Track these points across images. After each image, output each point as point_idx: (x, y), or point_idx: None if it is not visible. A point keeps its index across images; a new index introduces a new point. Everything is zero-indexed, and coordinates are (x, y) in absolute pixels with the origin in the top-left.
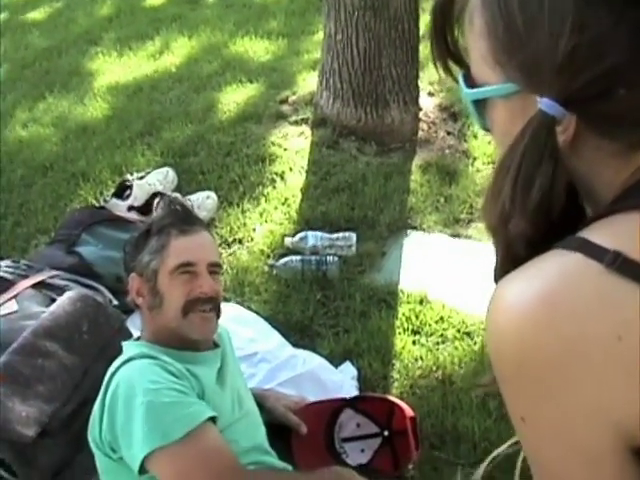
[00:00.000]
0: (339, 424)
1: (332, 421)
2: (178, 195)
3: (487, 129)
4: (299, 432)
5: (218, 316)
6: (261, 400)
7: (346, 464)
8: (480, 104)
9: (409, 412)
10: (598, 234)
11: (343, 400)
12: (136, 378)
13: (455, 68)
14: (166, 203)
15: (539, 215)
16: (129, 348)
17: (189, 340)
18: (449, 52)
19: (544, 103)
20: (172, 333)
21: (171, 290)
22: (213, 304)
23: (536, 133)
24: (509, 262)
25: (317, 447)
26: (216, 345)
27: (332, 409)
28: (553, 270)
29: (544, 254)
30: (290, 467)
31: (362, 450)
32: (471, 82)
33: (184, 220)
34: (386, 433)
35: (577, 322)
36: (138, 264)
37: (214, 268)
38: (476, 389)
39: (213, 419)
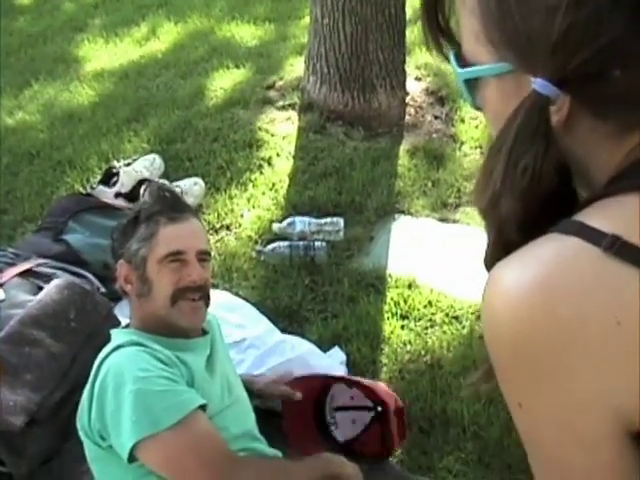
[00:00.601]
0: (331, 395)
1: (323, 392)
2: (166, 182)
3: (479, 108)
4: (293, 399)
5: (207, 304)
6: (250, 385)
7: (334, 440)
8: (472, 83)
9: (398, 402)
10: (595, 217)
11: (333, 377)
12: (125, 366)
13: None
14: (154, 190)
15: (530, 196)
16: (118, 336)
17: (178, 328)
18: (440, 30)
19: (538, 83)
20: (160, 321)
21: (160, 278)
22: (202, 292)
23: (529, 113)
24: (500, 247)
25: (307, 417)
26: (205, 332)
27: (324, 382)
28: (550, 254)
29: (540, 238)
30: (280, 454)
31: (353, 421)
32: (463, 61)
33: (173, 207)
34: (379, 409)
35: (575, 305)
36: (126, 251)
37: (203, 256)
38: (466, 388)
39: (203, 407)
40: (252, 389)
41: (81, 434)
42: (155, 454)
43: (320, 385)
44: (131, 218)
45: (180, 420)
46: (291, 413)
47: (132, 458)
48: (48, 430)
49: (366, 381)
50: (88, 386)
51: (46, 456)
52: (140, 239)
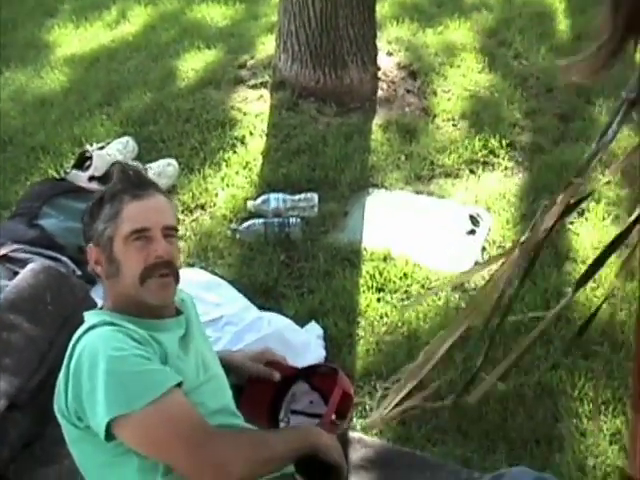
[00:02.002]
0: (292, 393)
1: (283, 388)
2: (139, 163)
3: None
4: (273, 379)
5: (177, 281)
6: (229, 362)
7: None
8: None
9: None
10: None
11: (297, 370)
12: (99, 345)
13: None
14: (117, 169)
15: None
16: (91, 317)
17: (148, 306)
18: None
19: None
20: (131, 300)
21: (127, 257)
22: (170, 268)
23: None
24: None
25: (262, 405)
26: (179, 313)
27: (285, 376)
28: None
29: None
30: (256, 429)
31: None
32: None
33: (136, 185)
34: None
35: None
36: (94, 233)
37: (169, 231)
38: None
39: (179, 384)
40: (230, 365)
41: (58, 416)
42: (131, 432)
43: (284, 376)
44: (96, 199)
45: (156, 399)
46: (250, 394)
47: (109, 437)
48: (29, 414)
49: (327, 367)
50: (63, 368)
51: (27, 440)
52: (105, 219)
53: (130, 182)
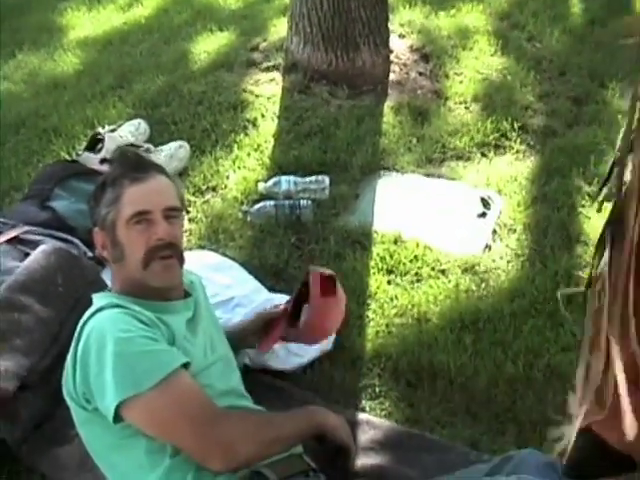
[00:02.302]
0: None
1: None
2: (150, 146)
3: None
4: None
5: (181, 262)
6: (231, 331)
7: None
8: None
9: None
10: None
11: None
12: (107, 327)
13: None
14: (118, 154)
15: None
16: (99, 299)
17: (153, 289)
18: None
19: None
20: (137, 283)
21: (130, 241)
22: (173, 250)
23: None
24: None
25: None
26: (188, 294)
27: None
28: None
29: None
30: (264, 410)
31: None
32: None
33: (136, 168)
34: None
35: None
36: (98, 217)
37: (170, 212)
38: None
39: (185, 365)
40: (239, 336)
41: (67, 399)
42: (139, 413)
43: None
44: (99, 184)
45: (162, 379)
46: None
47: (117, 419)
48: (40, 395)
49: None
50: (71, 350)
51: (38, 421)
52: (107, 203)
53: (130, 166)
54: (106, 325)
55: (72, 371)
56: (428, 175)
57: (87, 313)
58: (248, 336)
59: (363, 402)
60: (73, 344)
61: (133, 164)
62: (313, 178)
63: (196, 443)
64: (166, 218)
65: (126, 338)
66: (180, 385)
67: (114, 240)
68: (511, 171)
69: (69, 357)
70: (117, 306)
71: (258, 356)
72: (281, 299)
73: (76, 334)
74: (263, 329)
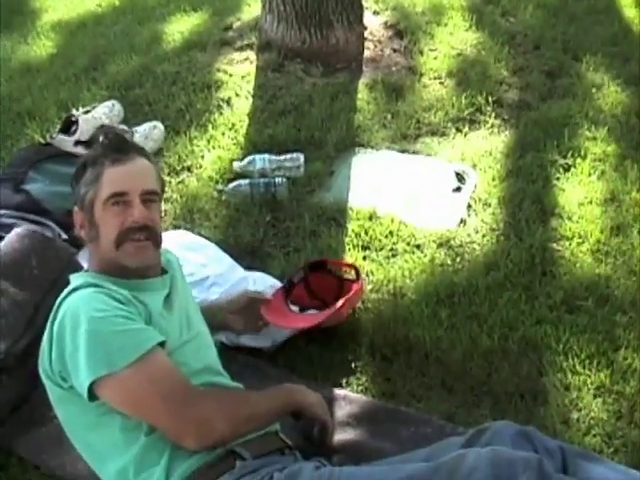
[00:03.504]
0: None
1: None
2: (125, 127)
3: None
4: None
5: (157, 244)
6: (216, 310)
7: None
8: None
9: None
10: None
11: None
12: (82, 307)
13: None
14: (100, 134)
15: None
16: (75, 279)
17: (127, 268)
18: None
19: None
20: (111, 263)
21: (105, 221)
22: (148, 233)
23: None
24: None
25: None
26: (164, 272)
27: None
28: None
29: None
30: (242, 387)
31: None
32: None
33: (117, 149)
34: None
35: None
36: (77, 197)
37: (148, 196)
38: None
39: (162, 344)
40: (217, 314)
41: (43, 377)
42: (114, 392)
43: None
44: (80, 164)
45: (138, 358)
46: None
47: (93, 397)
48: (16, 378)
49: None
50: (47, 329)
51: (15, 403)
52: (87, 183)
53: (111, 147)
54: (81, 304)
55: (48, 350)
56: (403, 151)
57: (63, 293)
58: (228, 315)
59: (339, 378)
60: (49, 323)
61: (115, 145)
62: (288, 156)
63: (171, 421)
64: (143, 201)
65: (101, 317)
66: (155, 363)
67: (91, 220)
68: (486, 145)
69: (45, 336)
70: (93, 285)
71: (232, 334)
72: (256, 277)
73: (52, 313)
74: (245, 309)
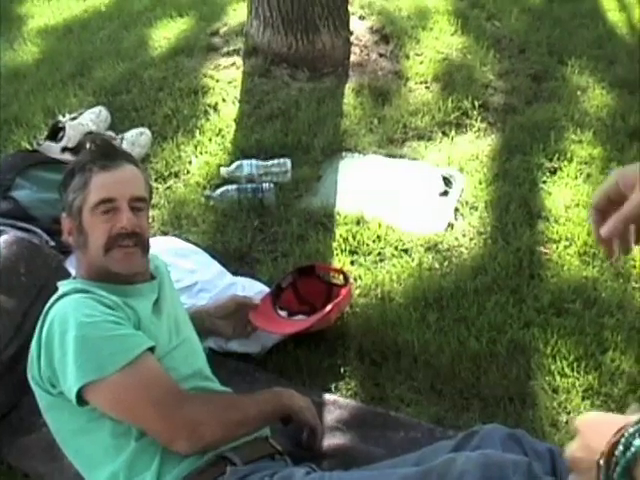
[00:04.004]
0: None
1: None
2: (112, 133)
3: None
4: (251, 304)
5: (145, 251)
6: (203, 315)
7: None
8: None
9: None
10: None
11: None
12: (70, 312)
13: None
14: (89, 141)
15: None
16: (63, 286)
17: (115, 274)
18: None
19: None
20: (100, 269)
21: (93, 227)
22: (136, 239)
23: None
24: None
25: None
26: (153, 277)
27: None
28: None
29: None
30: (231, 391)
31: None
32: None
33: (105, 156)
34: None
35: None
36: (65, 203)
37: (137, 203)
38: None
39: (151, 349)
40: (205, 319)
41: (32, 384)
42: (103, 397)
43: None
44: (68, 170)
45: (127, 363)
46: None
47: (82, 402)
48: (5, 385)
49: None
50: (35, 335)
51: (4, 410)
52: (75, 189)
53: (100, 153)
54: (69, 310)
55: (37, 356)
56: (390, 155)
57: (52, 299)
58: (216, 320)
59: (328, 382)
60: (37, 329)
61: (103, 151)
62: (275, 161)
63: (161, 426)
64: (132, 208)
65: (89, 322)
66: (145, 368)
67: (79, 226)
68: (472, 149)
69: (33, 342)
70: (81, 291)
71: (221, 340)
72: (244, 282)
73: (41, 319)
74: (233, 314)
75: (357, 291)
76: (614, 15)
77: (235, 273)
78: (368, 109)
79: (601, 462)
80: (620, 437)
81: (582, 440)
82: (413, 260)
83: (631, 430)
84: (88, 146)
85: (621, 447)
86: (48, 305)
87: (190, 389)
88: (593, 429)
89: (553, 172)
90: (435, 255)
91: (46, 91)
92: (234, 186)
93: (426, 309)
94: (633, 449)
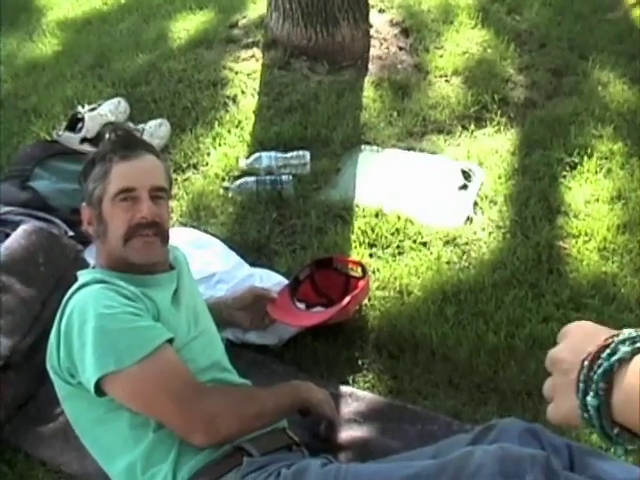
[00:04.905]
0: None
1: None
2: (131, 124)
3: None
4: (268, 296)
5: (164, 241)
6: (221, 307)
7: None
8: None
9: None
10: None
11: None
12: (90, 303)
13: None
14: (109, 131)
15: None
16: (83, 275)
17: (134, 265)
18: None
19: None
20: (119, 259)
21: (113, 217)
22: (156, 229)
23: None
24: None
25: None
26: (172, 267)
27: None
28: None
29: None
30: (249, 383)
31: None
32: None
33: (126, 146)
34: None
35: None
36: (85, 193)
37: (157, 192)
38: None
39: (170, 340)
40: (223, 310)
41: (51, 373)
42: (122, 388)
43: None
44: (89, 160)
45: (146, 355)
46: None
47: (100, 393)
48: (23, 374)
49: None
50: (55, 325)
51: (22, 400)
52: (95, 179)
53: (120, 143)
54: (89, 300)
55: (56, 346)
56: (409, 149)
57: (71, 289)
58: (233, 312)
59: (346, 375)
60: (57, 319)
61: (124, 142)
62: (294, 153)
63: (179, 418)
64: (152, 198)
65: (109, 314)
66: (164, 360)
67: (99, 216)
68: (492, 143)
69: (53, 332)
70: (101, 281)
71: (239, 331)
72: (262, 274)
73: (60, 310)
74: (251, 305)
75: (375, 284)
76: (636, 10)
77: (253, 265)
78: (387, 102)
79: (586, 362)
80: (610, 342)
81: (569, 342)
82: (432, 254)
83: (622, 337)
84: (108, 136)
85: (608, 351)
86: (68, 295)
87: (208, 381)
88: (582, 333)
89: (573, 167)
90: (454, 249)
91: (65, 82)
92: (253, 178)
93: (444, 303)
94: (619, 354)
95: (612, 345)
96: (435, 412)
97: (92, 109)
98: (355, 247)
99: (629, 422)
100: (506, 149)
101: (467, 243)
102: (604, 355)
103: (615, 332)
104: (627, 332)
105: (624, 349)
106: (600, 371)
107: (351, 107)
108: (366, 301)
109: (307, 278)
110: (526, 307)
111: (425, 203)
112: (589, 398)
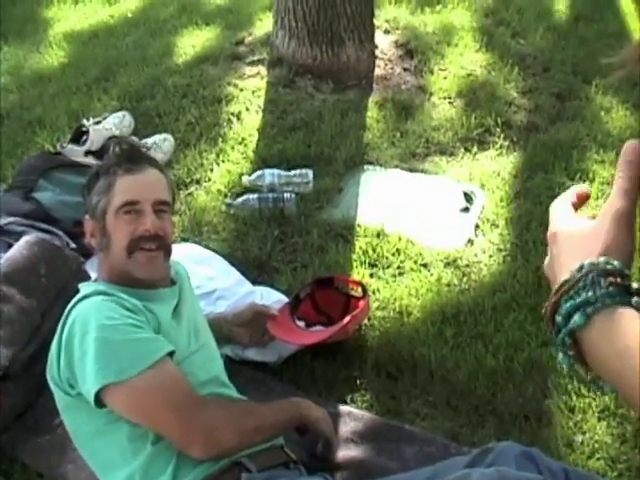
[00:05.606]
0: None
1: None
2: (135, 138)
3: None
4: (268, 313)
5: (167, 255)
6: (220, 322)
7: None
8: None
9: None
10: None
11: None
12: (92, 314)
13: None
14: (114, 144)
15: None
16: (85, 287)
17: (137, 279)
18: None
19: None
20: (122, 273)
21: (116, 230)
22: (159, 242)
23: None
24: None
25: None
26: (173, 282)
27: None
28: None
29: None
30: (247, 399)
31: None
32: None
33: (130, 159)
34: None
35: None
36: (89, 206)
37: (160, 206)
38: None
39: (171, 353)
40: (223, 326)
41: (51, 384)
42: (122, 400)
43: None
44: (93, 173)
45: (147, 367)
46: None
47: (100, 404)
48: (22, 385)
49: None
50: (56, 336)
51: (20, 410)
52: (99, 192)
53: (125, 156)
54: (91, 312)
55: (57, 357)
56: (411, 170)
57: (73, 300)
58: (233, 328)
59: (344, 394)
60: (58, 330)
61: (128, 155)
62: (297, 172)
63: (179, 430)
64: (155, 211)
65: (110, 325)
66: (164, 373)
67: (103, 228)
68: (494, 166)
69: (54, 343)
70: (103, 293)
71: (238, 348)
72: (263, 291)
73: (61, 321)
74: (251, 322)
75: (375, 304)
76: None
77: (254, 282)
78: (391, 123)
79: (547, 309)
80: (560, 297)
81: (552, 254)
82: (432, 275)
83: (568, 305)
84: (113, 149)
85: (560, 318)
86: (70, 306)
87: (207, 395)
88: (563, 245)
89: None
90: (454, 271)
91: (71, 95)
92: (255, 195)
93: (444, 324)
94: (572, 325)
95: (563, 311)
96: (433, 433)
97: (97, 122)
98: (356, 267)
99: (591, 361)
100: (508, 172)
101: (468, 265)
102: (559, 319)
103: (588, 240)
104: (575, 274)
105: (577, 320)
106: (561, 337)
107: (355, 127)
108: (366, 321)
109: (308, 296)
110: (525, 331)
111: (426, 224)
112: (559, 319)
